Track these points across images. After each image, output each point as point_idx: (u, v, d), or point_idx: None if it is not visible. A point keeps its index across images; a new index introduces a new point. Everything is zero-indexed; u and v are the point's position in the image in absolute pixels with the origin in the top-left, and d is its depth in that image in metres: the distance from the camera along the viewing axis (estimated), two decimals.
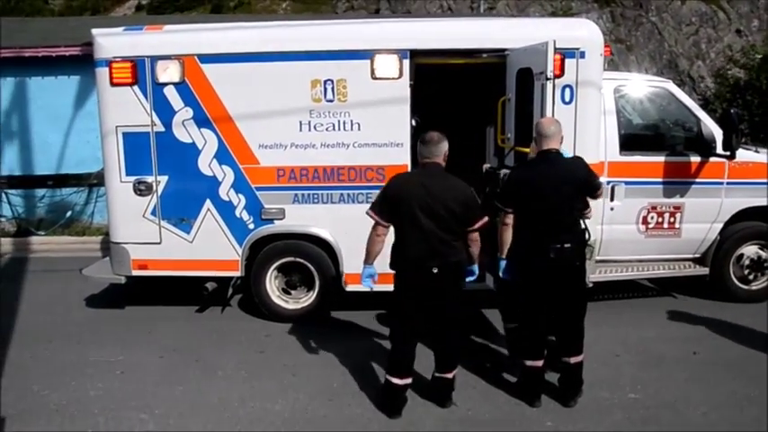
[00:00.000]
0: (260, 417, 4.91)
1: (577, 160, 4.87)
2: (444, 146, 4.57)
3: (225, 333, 6.60)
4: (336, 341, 6.17)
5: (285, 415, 4.93)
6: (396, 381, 4.74)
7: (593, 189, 4.80)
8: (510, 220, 4.81)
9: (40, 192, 11.37)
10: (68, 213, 11.13)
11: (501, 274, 4.99)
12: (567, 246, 4.63)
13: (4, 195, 11.22)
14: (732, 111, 6.44)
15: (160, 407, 5.06)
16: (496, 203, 4.90)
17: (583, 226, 4.90)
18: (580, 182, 4.68)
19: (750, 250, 6.96)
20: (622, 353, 5.89)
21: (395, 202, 4.54)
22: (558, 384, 5.12)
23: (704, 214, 6.79)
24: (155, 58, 6.34)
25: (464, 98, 6.44)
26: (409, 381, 4.83)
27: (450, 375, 4.92)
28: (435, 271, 4.49)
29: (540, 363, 4.95)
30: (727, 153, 6.50)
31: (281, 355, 6.00)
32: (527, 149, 5.68)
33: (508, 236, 4.85)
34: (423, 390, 5.09)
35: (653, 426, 4.69)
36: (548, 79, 5.27)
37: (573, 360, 4.94)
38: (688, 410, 4.89)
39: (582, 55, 6.09)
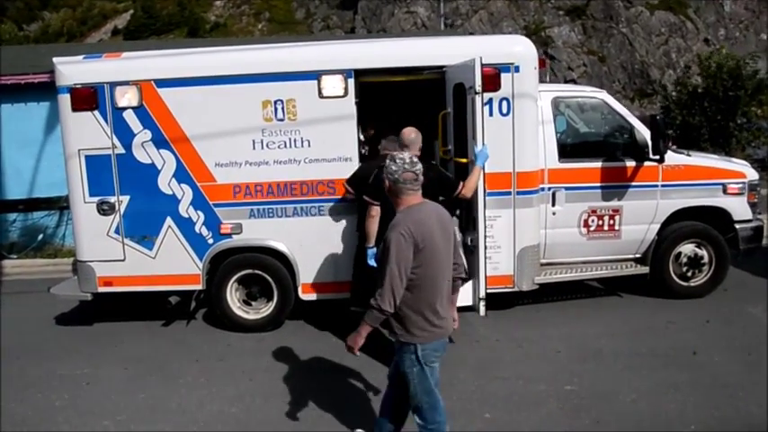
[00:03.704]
0: (217, 419, 5.22)
1: (431, 165, 5.69)
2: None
3: (188, 344, 6.87)
4: (293, 347, 6.48)
5: (240, 417, 5.22)
6: None
7: (448, 188, 5.70)
8: (376, 212, 5.68)
9: (11, 216, 11.60)
10: (40, 236, 11.37)
11: (369, 262, 5.78)
12: None
13: None
14: (658, 116, 6.84)
15: (122, 414, 5.35)
16: (365, 198, 5.72)
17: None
18: (432, 183, 5.11)
19: (687, 248, 7.33)
20: (563, 349, 6.23)
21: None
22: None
23: (642, 216, 7.17)
24: (114, 84, 6.66)
25: (412, 113, 6.77)
26: None
27: None
28: None
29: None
30: (657, 157, 6.88)
31: (240, 362, 6.28)
32: (464, 160, 6.05)
33: (374, 227, 5.71)
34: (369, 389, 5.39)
35: (584, 413, 5.02)
36: (476, 93, 5.63)
37: None
38: (618, 399, 5.23)
39: (517, 69, 6.48)
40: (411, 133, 5.73)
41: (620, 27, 43.86)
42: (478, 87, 5.63)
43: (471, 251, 6.06)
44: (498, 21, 46.46)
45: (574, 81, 43.79)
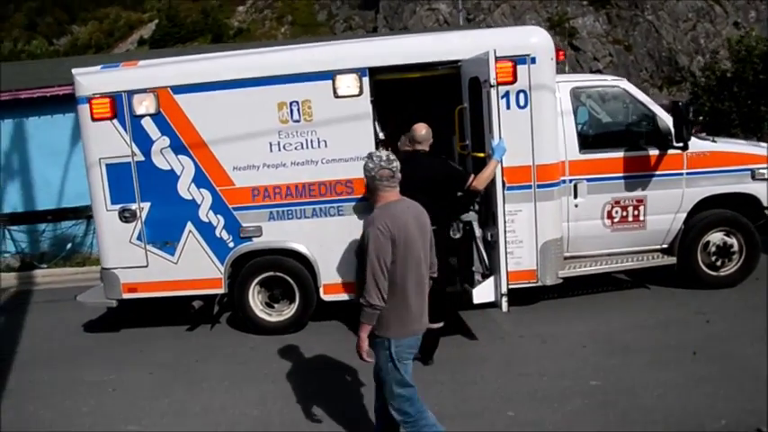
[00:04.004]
0: (239, 422, 5.24)
1: (438, 159, 5.73)
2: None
3: (212, 348, 6.90)
4: (316, 349, 6.46)
5: (262, 419, 5.23)
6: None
7: (458, 181, 5.68)
8: None
9: (41, 226, 11.84)
10: (69, 245, 11.57)
11: None
12: (433, 228, 5.10)
13: (6, 232, 11.68)
14: (680, 103, 6.67)
15: (147, 418, 5.40)
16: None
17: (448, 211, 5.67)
18: (439, 177, 5.53)
19: (716, 237, 7.14)
20: (589, 344, 6.10)
21: None
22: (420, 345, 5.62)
23: (667, 205, 7.01)
24: (131, 93, 6.73)
25: (430, 109, 6.72)
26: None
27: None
28: None
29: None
30: (680, 144, 6.71)
31: (262, 365, 6.29)
32: (482, 155, 5.98)
33: None
34: None
35: (610, 409, 4.90)
36: (491, 86, 5.55)
37: (434, 326, 5.41)
38: (645, 393, 5.10)
39: (533, 61, 6.38)
40: (422, 129, 5.73)
41: (646, 14, 43.08)
42: (493, 80, 5.55)
43: (492, 246, 5.98)
44: (521, 14, 46.00)
45: (600, 71, 43.15)
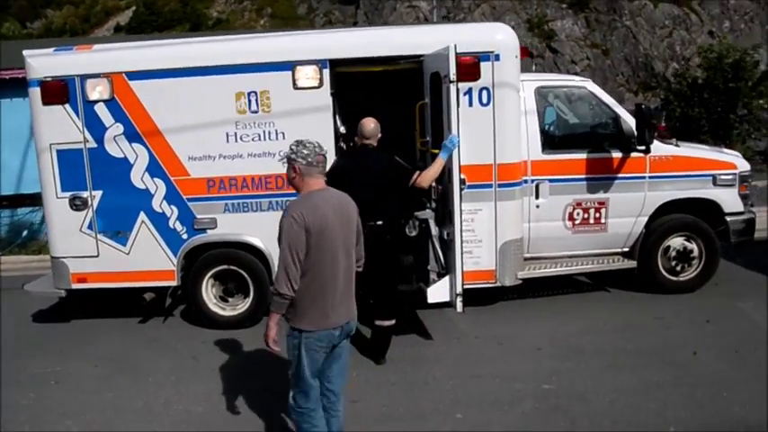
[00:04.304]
0: (182, 419, 5.07)
1: (384, 155, 5.64)
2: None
3: (163, 341, 6.72)
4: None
5: (206, 417, 5.08)
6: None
7: (402, 178, 5.59)
8: None
9: None
10: (25, 233, 11.26)
11: None
12: (378, 223, 5.37)
13: None
14: (644, 106, 6.61)
15: (87, 413, 5.22)
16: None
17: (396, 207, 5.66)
18: (384, 172, 5.49)
19: (676, 242, 7.12)
20: (545, 346, 6.03)
21: None
22: (371, 344, 5.77)
23: (629, 208, 6.96)
24: (84, 77, 6.51)
25: (395, 105, 6.60)
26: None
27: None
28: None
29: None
30: (642, 147, 6.67)
31: (212, 360, 6.12)
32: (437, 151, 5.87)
33: None
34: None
35: (560, 414, 4.83)
36: (451, 82, 5.44)
37: (385, 323, 5.65)
38: (596, 399, 5.04)
39: (497, 58, 6.28)
40: (370, 124, 5.65)
41: (624, 20, 43.33)
42: (453, 76, 5.44)
43: (448, 245, 5.88)
44: (501, 14, 46.01)
45: (577, 74, 43.42)
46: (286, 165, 3.83)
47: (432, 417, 4.89)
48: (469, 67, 6.19)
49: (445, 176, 5.81)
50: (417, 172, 5.66)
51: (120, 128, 6.57)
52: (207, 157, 6.55)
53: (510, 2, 46.27)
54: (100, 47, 6.84)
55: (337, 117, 6.84)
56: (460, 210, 5.66)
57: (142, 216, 6.69)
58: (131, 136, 6.58)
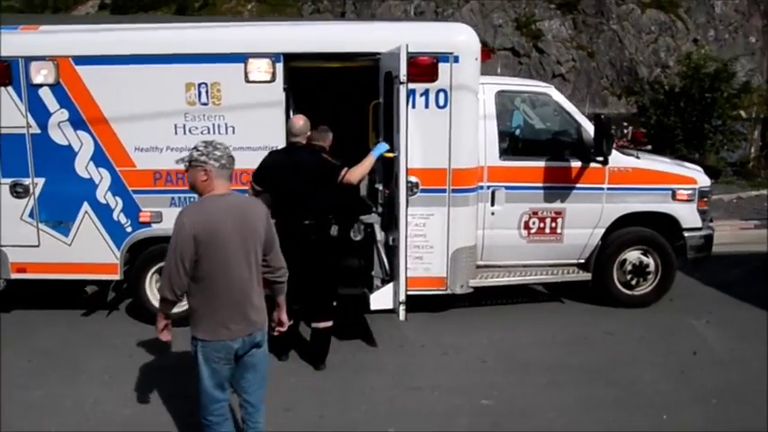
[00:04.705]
0: (108, 420, 4.90)
1: (312, 152, 5.54)
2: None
3: (102, 337, 6.51)
4: None
5: (132, 419, 4.91)
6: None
7: (330, 174, 5.45)
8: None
9: None
10: None
11: None
12: (306, 222, 5.36)
13: None
14: (603, 116, 6.48)
15: (9, 412, 4.98)
16: (252, 182, 5.58)
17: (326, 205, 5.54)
18: (311, 169, 5.39)
19: (633, 255, 7.01)
20: (490, 359, 5.90)
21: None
22: (310, 348, 5.70)
23: (586, 219, 6.83)
24: (29, 59, 6.25)
25: (357, 103, 6.43)
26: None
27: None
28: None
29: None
30: (600, 158, 6.55)
31: (149, 359, 5.93)
32: (391, 154, 5.71)
33: None
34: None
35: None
36: (401, 83, 5.27)
37: (321, 325, 5.57)
38: (535, 416, 4.95)
39: (456, 59, 6.12)
40: (299, 121, 5.56)
41: (611, 24, 43.61)
42: (403, 77, 5.27)
43: (393, 251, 5.73)
44: (489, 12, 46.09)
45: (562, 76, 43.56)
46: (189, 167, 3.63)
47: (364, 429, 4.76)
48: (426, 68, 6.03)
49: (393, 180, 5.65)
50: (345, 168, 5.51)
51: (65, 114, 6.32)
52: (154, 148, 6.33)
53: (499, 0, 46.35)
54: (47, 28, 6.57)
55: (292, 113, 6.67)
56: (406, 216, 5.51)
57: (86, 206, 6.47)
58: (76, 123, 6.33)
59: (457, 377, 5.56)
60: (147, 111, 6.26)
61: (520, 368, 5.72)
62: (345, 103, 6.82)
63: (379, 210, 6.13)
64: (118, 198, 6.45)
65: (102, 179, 6.42)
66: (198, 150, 3.62)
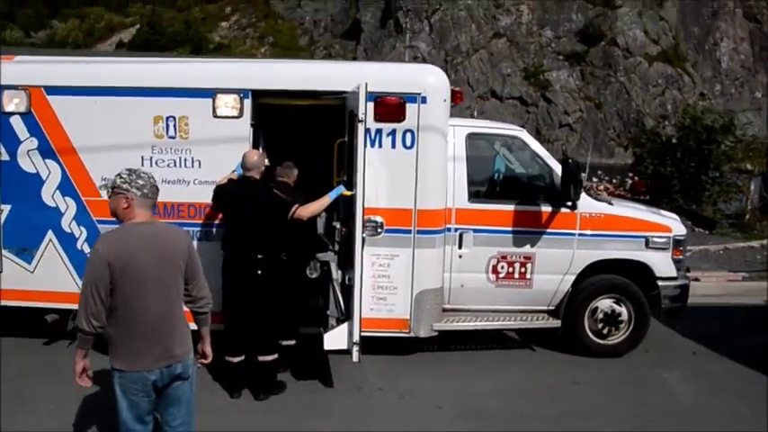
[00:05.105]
0: None
1: (264, 187, 5.64)
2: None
3: (58, 366, 6.32)
4: None
5: None
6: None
7: (280, 209, 5.54)
8: None
9: None
10: None
11: None
12: (259, 256, 5.46)
13: None
14: (570, 160, 6.39)
15: None
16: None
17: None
18: (261, 204, 5.50)
19: (605, 304, 6.84)
20: (447, 405, 5.73)
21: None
22: (253, 379, 5.71)
23: (556, 265, 6.70)
24: (2, 87, 6.31)
25: (327, 141, 6.44)
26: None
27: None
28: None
29: (236, 359, 5.64)
30: (568, 203, 6.46)
31: (97, 389, 5.78)
32: (349, 193, 5.68)
33: None
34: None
35: None
36: (359, 121, 5.26)
37: (264, 358, 5.61)
38: None
39: (424, 100, 6.11)
40: (253, 156, 5.65)
41: (619, 76, 43.92)
42: (362, 115, 5.26)
43: (349, 291, 5.63)
44: (498, 61, 46.61)
45: (569, 125, 43.75)
46: (112, 194, 3.60)
47: None
48: (393, 108, 6.03)
49: (351, 219, 5.59)
50: (297, 205, 5.56)
51: (34, 142, 6.37)
52: None
53: (508, 49, 46.88)
54: (22, 58, 6.67)
55: (263, 150, 6.67)
56: (362, 255, 5.43)
57: (50, 234, 6.45)
58: (45, 152, 6.37)
59: (408, 423, 5.39)
60: (115, 142, 6.27)
61: (475, 416, 5.54)
62: (319, 140, 6.81)
63: (336, 248, 6.05)
64: (82, 227, 6.43)
65: (68, 208, 6.42)
66: (121, 178, 3.58)
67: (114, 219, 3.67)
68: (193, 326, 3.88)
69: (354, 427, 5.26)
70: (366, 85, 5.27)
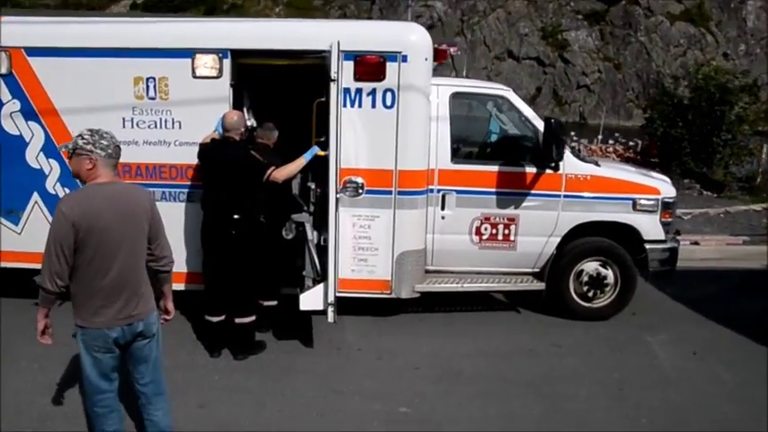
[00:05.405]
0: (22, 410, 4.86)
1: (241, 148, 5.57)
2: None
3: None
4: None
5: (46, 409, 4.86)
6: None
7: (253, 171, 5.49)
8: None
9: None
10: None
11: None
12: (235, 217, 5.42)
13: None
14: (552, 120, 6.24)
15: None
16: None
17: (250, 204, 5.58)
18: (237, 165, 5.46)
19: (590, 267, 6.77)
20: (424, 366, 5.75)
21: None
22: (231, 340, 5.75)
23: (540, 227, 6.63)
24: None
25: (306, 102, 6.38)
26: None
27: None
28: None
29: (215, 318, 5.69)
30: (551, 164, 6.36)
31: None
32: (323, 153, 5.64)
33: None
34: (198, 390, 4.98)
35: None
36: (332, 80, 5.19)
37: (240, 320, 5.63)
38: (449, 428, 4.80)
39: (404, 59, 6.01)
40: (233, 116, 5.58)
41: (639, 35, 42.90)
42: (334, 74, 5.20)
43: (325, 251, 5.63)
44: (516, 20, 45.72)
45: (587, 87, 42.99)
46: (74, 155, 3.59)
47: (271, 430, 4.66)
48: (373, 67, 5.95)
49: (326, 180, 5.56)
50: (273, 167, 5.52)
51: (16, 104, 6.38)
52: None
53: (526, 8, 45.93)
54: (8, 19, 6.62)
55: (248, 111, 6.64)
56: (336, 215, 5.42)
57: (35, 196, 6.51)
58: (28, 113, 6.39)
59: (383, 383, 5.42)
60: (97, 103, 6.24)
61: (451, 377, 5.56)
62: (303, 101, 6.74)
63: (311, 209, 6.04)
64: (67, 189, 6.42)
65: (52, 170, 6.46)
66: (83, 138, 3.57)
67: (77, 179, 3.68)
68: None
69: (330, 387, 5.31)
70: (339, 43, 5.19)
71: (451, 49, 10.28)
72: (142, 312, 3.71)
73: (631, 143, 20.57)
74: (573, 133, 22.21)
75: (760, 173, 15.59)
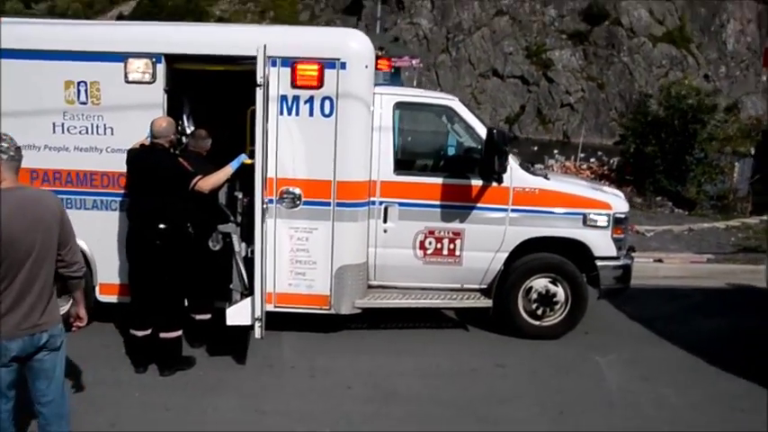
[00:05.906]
0: None
1: (169, 156, 5.40)
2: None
3: None
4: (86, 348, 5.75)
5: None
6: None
7: (178, 180, 5.28)
8: None
9: None
10: None
11: None
12: (161, 226, 5.21)
13: None
14: (495, 130, 6.05)
15: None
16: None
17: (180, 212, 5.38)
18: (163, 173, 5.26)
19: (539, 283, 6.56)
20: (357, 385, 5.51)
21: None
22: (156, 357, 5.53)
23: (487, 242, 6.41)
24: None
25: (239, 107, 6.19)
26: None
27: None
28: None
29: (141, 333, 5.45)
30: (494, 176, 6.15)
31: None
32: (250, 161, 5.45)
33: None
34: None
35: None
36: (258, 86, 4.99)
37: (165, 335, 5.40)
38: None
39: (343, 66, 5.82)
40: (162, 123, 5.37)
41: (622, 56, 43.09)
42: (260, 80, 4.99)
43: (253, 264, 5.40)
44: (500, 39, 45.83)
45: (570, 105, 43.08)
46: None
47: None
48: (310, 74, 5.74)
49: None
50: (199, 176, 5.30)
51: None
52: (32, 146, 6.01)
53: (510, 27, 46.08)
54: None
55: (188, 117, 6.43)
56: (262, 227, 5.20)
57: None
58: None
59: (311, 403, 5.18)
60: (27, 107, 6.02)
61: (384, 398, 5.32)
62: (244, 108, 6.53)
63: (239, 219, 5.81)
64: None
65: None
66: None
67: None
68: None
69: (255, 406, 5.06)
70: (264, 47, 5.00)
71: (414, 62, 10.14)
72: (47, 322, 3.50)
73: (612, 161, 20.46)
74: (556, 151, 22.05)
75: (731, 191, 15.51)
